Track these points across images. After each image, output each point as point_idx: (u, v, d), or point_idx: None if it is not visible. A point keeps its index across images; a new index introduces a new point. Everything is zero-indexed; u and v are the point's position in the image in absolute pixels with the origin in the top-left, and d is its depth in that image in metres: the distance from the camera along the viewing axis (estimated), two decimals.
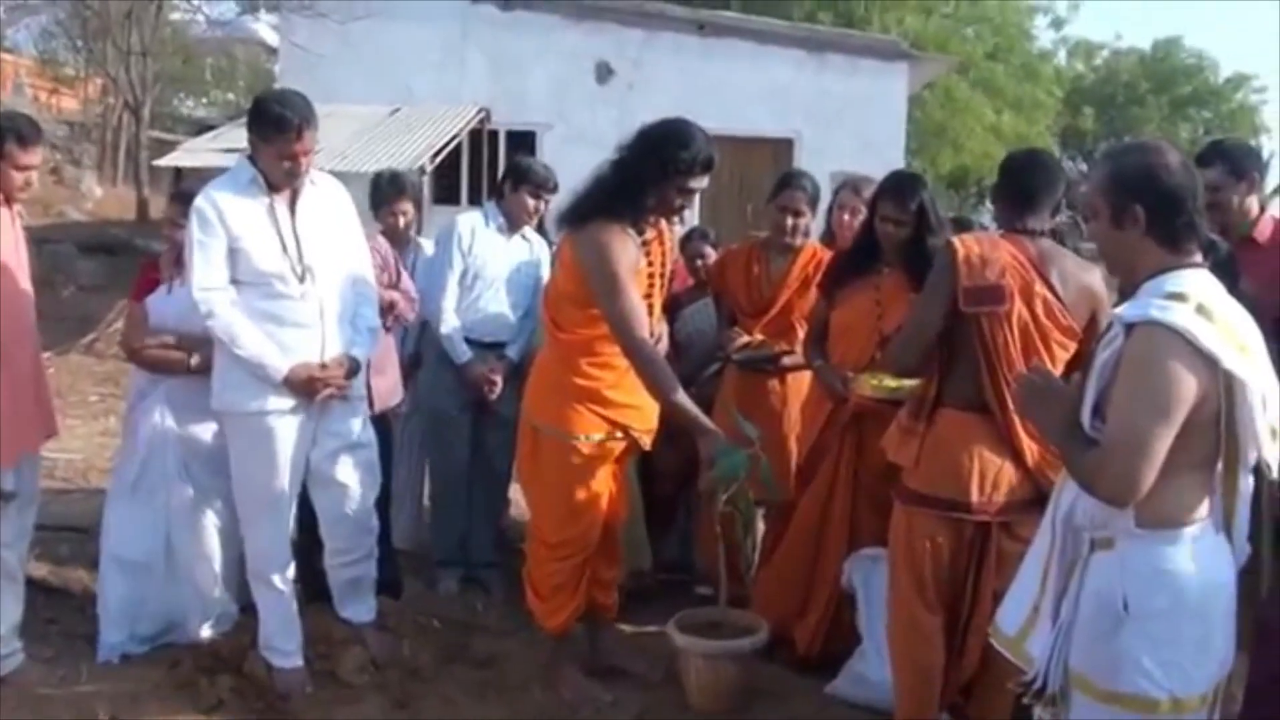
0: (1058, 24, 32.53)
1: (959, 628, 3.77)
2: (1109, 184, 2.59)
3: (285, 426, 4.15)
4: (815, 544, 4.56)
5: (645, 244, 4.08)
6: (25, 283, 4.20)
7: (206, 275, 4.04)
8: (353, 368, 4.26)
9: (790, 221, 4.92)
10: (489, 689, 4.37)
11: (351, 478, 4.38)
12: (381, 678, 4.37)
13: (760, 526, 5.05)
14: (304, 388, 4.11)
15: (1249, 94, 34.51)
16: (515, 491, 5.58)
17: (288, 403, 4.13)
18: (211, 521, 4.55)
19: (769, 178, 14.88)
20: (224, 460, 4.46)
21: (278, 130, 3.99)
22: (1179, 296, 2.47)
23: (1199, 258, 2.61)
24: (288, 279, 4.08)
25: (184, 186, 4.72)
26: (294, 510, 4.37)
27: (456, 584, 5.40)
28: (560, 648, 4.36)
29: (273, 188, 4.11)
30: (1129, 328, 2.48)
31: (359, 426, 4.43)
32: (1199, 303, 2.47)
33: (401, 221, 5.56)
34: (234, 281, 4.07)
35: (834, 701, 4.32)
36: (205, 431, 4.51)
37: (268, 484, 4.18)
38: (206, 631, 4.57)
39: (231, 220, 4.03)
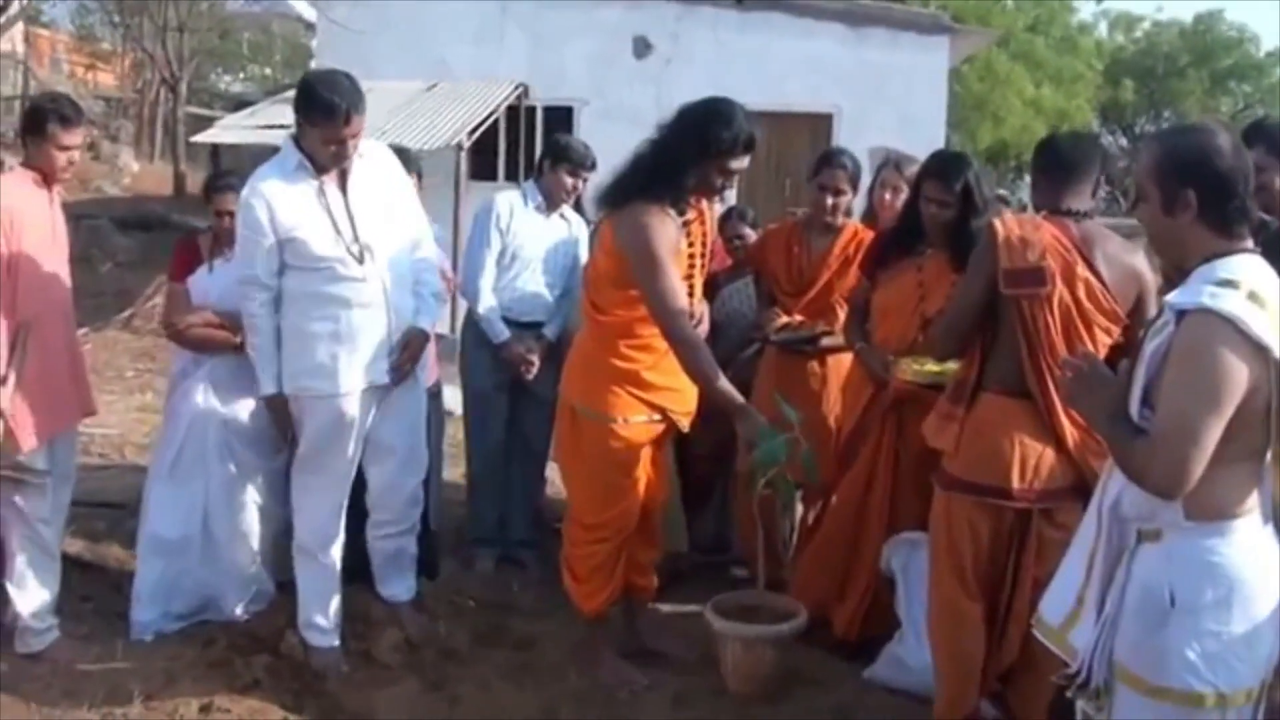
0: None
1: (999, 615, 3.73)
2: (1160, 167, 2.52)
3: (354, 406, 4.18)
4: (855, 527, 4.52)
5: (686, 224, 4.04)
6: (63, 265, 4.22)
7: (248, 271, 4.09)
8: (421, 338, 4.29)
9: (830, 200, 4.86)
10: (525, 671, 4.36)
11: (406, 448, 4.42)
12: (417, 658, 4.38)
13: (799, 509, 5.02)
14: (279, 419, 4.21)
15: None
16: (552, 471, 5.58)
17: (359, 384, 4.15)
18: (251, 499, 4.58)
19: (807, 154, 14.81)
20: (265, 438, 4.54)
21: (326, 116, 3.96)
22: (1231, 283, 2.41)
23: (1250, 242, 2.54)
24: (347, 262, 4.08)
25: (220, 180, 4.69)
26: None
27: (493, 563, 5.41)
28: (596, 630, 4.34)
29: (321, 170, 4.09)
30: (1180, 315, 2.42)
31: (418, 397, 4.47)
32: (1251, 289, 2.40)
33: None
34: (295, 268, 4.08)
35: (872, 686, 4.29)
36: (246, 410, 4.53)
37: (333, 460, 4.24)
38: (241, 609, 4.60)
39: (281, 213, 4.02)
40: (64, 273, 4.24)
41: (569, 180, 5.28)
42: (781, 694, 4.20)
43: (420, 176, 5.08)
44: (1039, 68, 25.51)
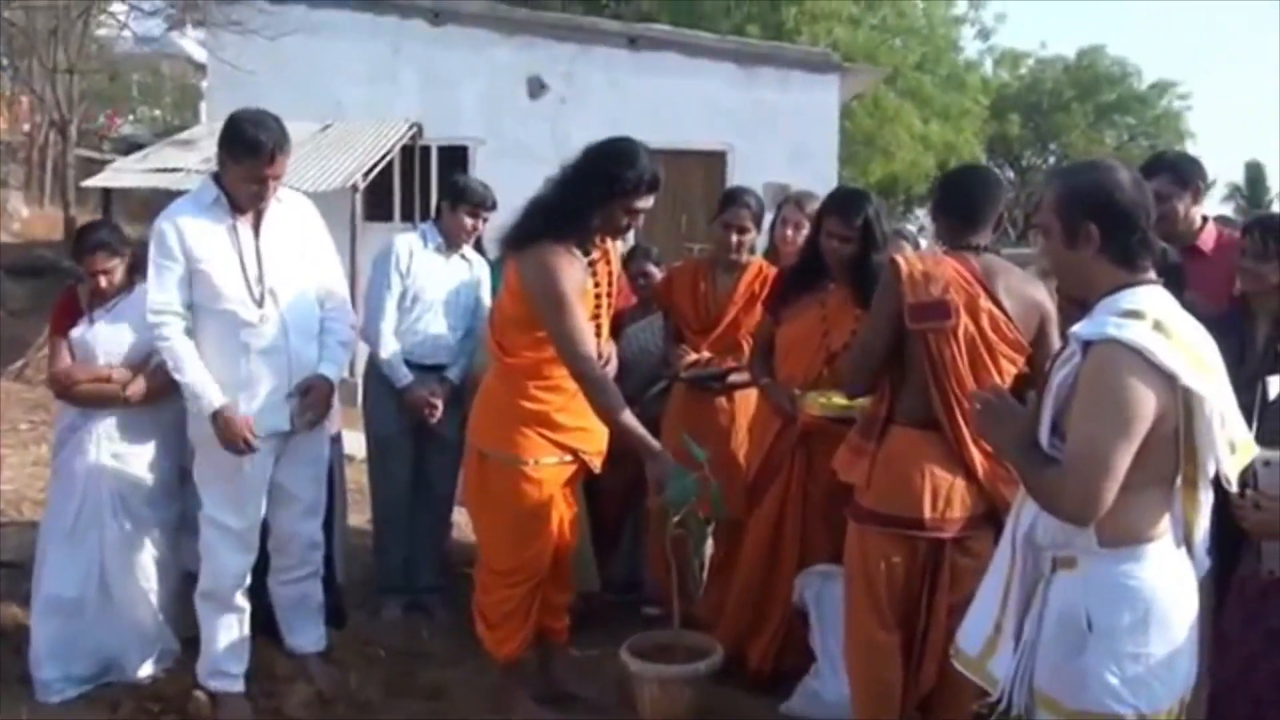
0: (984, 34, 32.95)
1: (915, 644, 3.74)
2: (1062, 203, 2.58)
3: (258, 455, 4.11)
4: (768, 563, 4.52)
5: (591, 264, 4.02)
6: None
7: (161, 298, 4.02)
8: (323, 386, 4.23)
9: (735, 238, 4.90)
10: None
11: (307, 492, 4.37)
12: (329, 713, 4.28)
13: (709, 546, 5.02)
14: (229, 439, 4.04)
15: (1173, 100, 35.13)
16: (457, 514, 5.53)
17: (257, 432, 4.07)
18: (149, 554, 4.45)
19: (702, 191, 14.94)
20: (161, 491, 4.45)
21: (250, 153, 3.96)
22: (1136, 314, 2.46)
23: (1153, 274, 2.60)
24: (247, 304, 4.05)
25: (89, 240, 4.49)
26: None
27: (401, 611, 5.31)
28: (510, 676, 4.27)
29: (237, 209, 4.07)
30: (1086, 346, 2.47)
31: (321, 444, 4.42)
32: (1156, 319, 2.46)
33: None
34: (195, 306, 4.05)
35: None
36: (141, 462, 4.43)
37: (237, 509, 4.16)
38: (147, 669, 4.46)
39: (192, 243, 4.01)
40: None
41: (469, 221, 5.25)
42: None
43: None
44: (927, 104, 26.03)
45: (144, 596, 4.44)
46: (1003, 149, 35.16)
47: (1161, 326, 2.45)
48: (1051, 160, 35.86)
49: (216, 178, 4.11)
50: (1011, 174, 35.95)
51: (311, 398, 4.18)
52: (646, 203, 3.95)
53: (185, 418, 4.29)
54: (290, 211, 4.25)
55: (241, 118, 4.05)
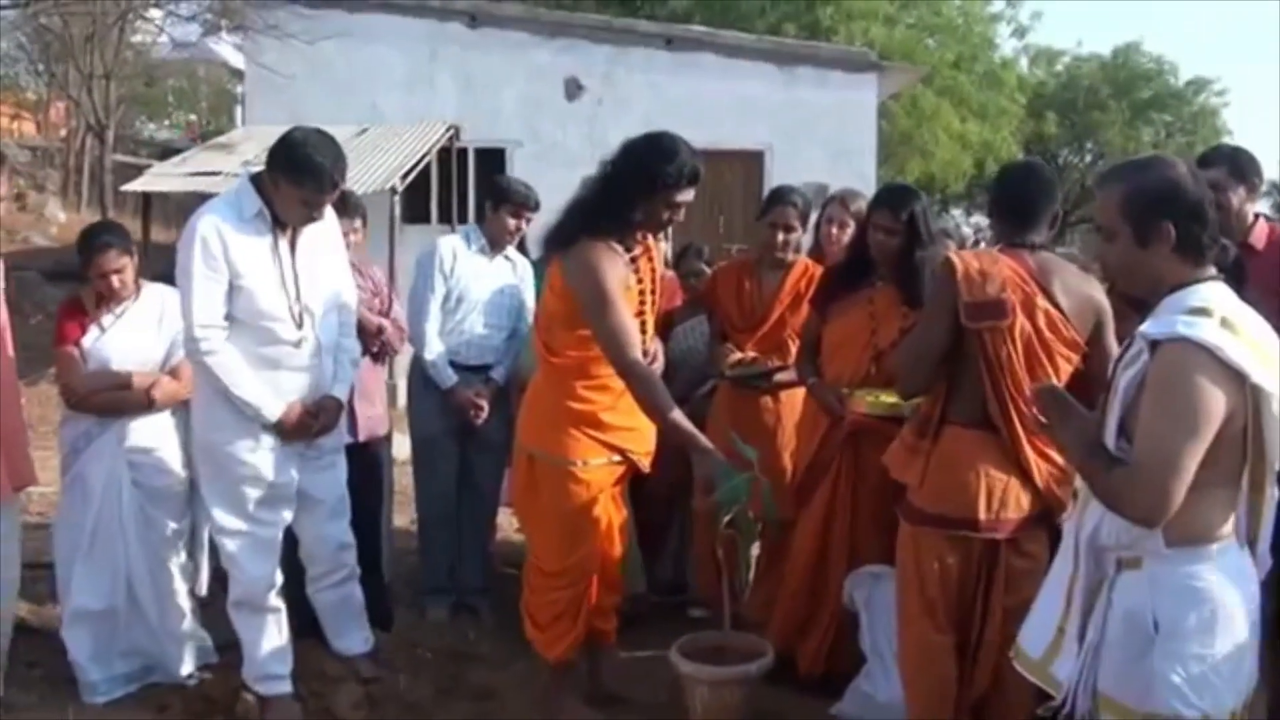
0: (1020, 32, 32.67)
1: (970, 646, 3.71)
2: (1132, 202, 2.54)
3: (272, 461, 4.10)
4: (817, 564, 4.50)
5: (633, 260, 4.01)
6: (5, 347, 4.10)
7: (208, 311, 3.92)
8: (334, 406, 4.22)
9: (782, 237, 4.88)
10: None
11: (328, 494, 4.34)
12: (378, 714, 4.28)
13: (755, 546, 4.99)
14: (296, 433, 4.07)
15: (1210, 97, 34.71)
16: (501, 515, 5.53)
17: (276, 443, 4.08)
18: (174, 560, 4.46)
19: (740, 192, 14.89)
20: (178, 497, 4.45)
21: (313, 179, 3.90)
22: (1203, 311, 2.43)
23: (1214, 270, 2.57)
24: (286, 323, 4.02)
25: (99, 239, 4.41)
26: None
27: (447, 612, 5.32)
28: (559, 677, 4.27)
29: (279, 224, 4.01)
30: (1154, 345, 2.44)
31: (335, 445, 4.39)
32: (1223, 316, 2.43)
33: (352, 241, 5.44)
34: (230, 319, 3.97)
35: None
36: (158, 468, 4.42)
37: (250, 515, 4.12)
38: (188, 667, 4.48)
39: (236, 256, 3.92)
40: (7, 353, 4.12)
41: (512, 222, 5.25)
42: None
43: (365, 220, 5.02)
44: (964, 103, 25.86)
45: (173, 600, 4.45)
46: (1039, 148, 34.86)
47: (1229, 323, 2.42)
48: (1089, 159, 35.57)
49: (257, 185, 4.01)
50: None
51: (323, 420, 4.18)
52: (687, 196, 3.93)
53: (191, 423, 4.31)
54: (319, 227, 4.17)
55: (303, 141, 3.94)
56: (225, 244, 3.90)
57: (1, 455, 3.99)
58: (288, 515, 4.21)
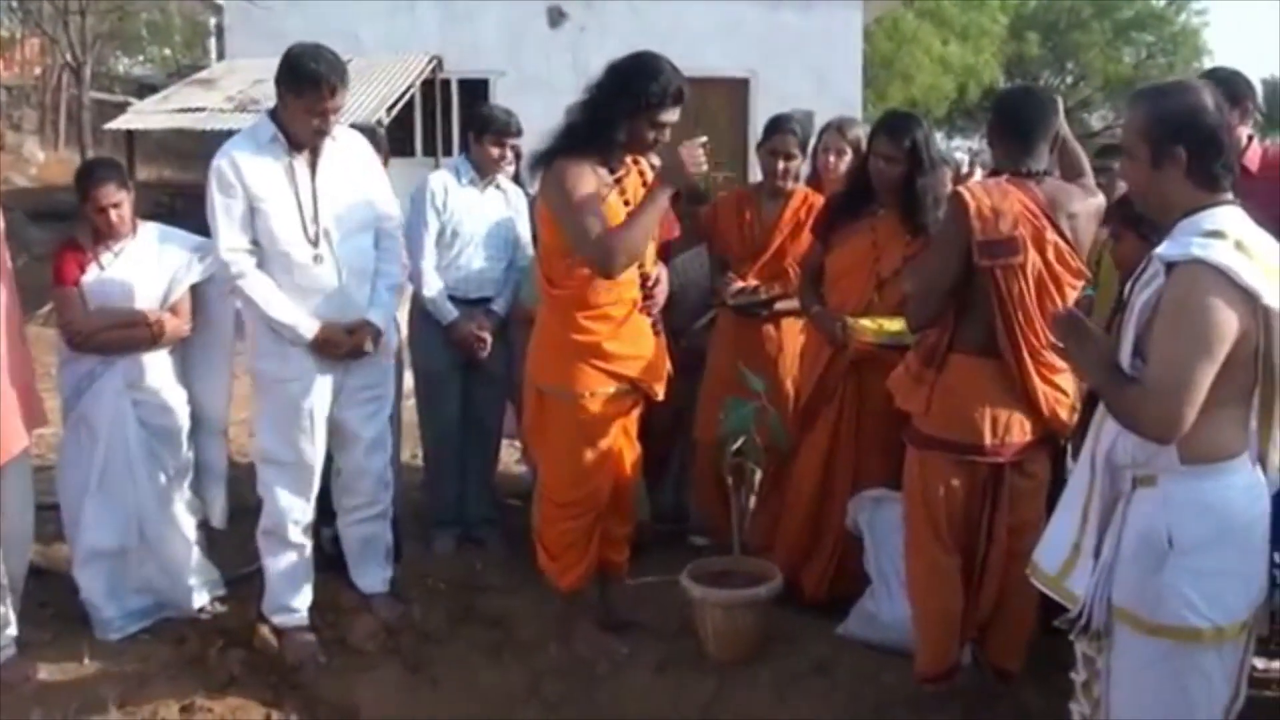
0: None
1: (975, 568, 3.80)
2: (1150, 125, 2.59)
3: (313, 391, 4.17)
4: (820, 489, 4.55)
5: (618, 180, 4.00)
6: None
7: (232, 236, 4.03)
8: (368, 331, 4.24)
9: (781, 165, 4.89)
10: (503, 648, 4.35)
11: (369, 430, 4.40)
12: (394, 643, 4.35)
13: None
14: (331, 349, 4.13)
15: (1190, 16, 34.65)
16: (503, 448, 5.63)
17: (310, 369, 4.14)
18: (181, 497, 4.51)
19: (726, 118, 14.77)
20: (181, 433, 4.49)
21: (311, 86, 3.96)
22: (1217, 234, 2.48)
23: (1230, 195, 2.61)
24: (301, 244, 4.06)
25: (97, 172, 4.42)
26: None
27: (454, 543, 5.36)
28: (572, 603, 4.34)
29: (294, 146, 4.07)
30: (1169, 267, 2.49)
31: (382, 381, 4.45)
32: (1237, 239, 2.49)
33: None
34: (255, 244, 4.06)
35: (847, 642, 4.34)
36: (162, 406, 4.44)
37: (294, 446, 4.20)
38: (202, 599, 4.53)
39: (251, 180, 4.01)
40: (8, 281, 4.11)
41: (495, 150, 5.21)
42: (760, 656, 4.23)
43: (387, 155, 5.02)
44: (945, 25, 25.79)
45: (182, 536, 4.49)
46: (1021, 70, 34.73)
47: (1243, 246, 2.48)
48: (1070, 80, 35.44)
49: (273, 115, 4.10)
50: None
51: (356, 341, 4.21)
52: (672, 115, 3.94)
53: (190, 360, 4.45)
54: (346, 149, 4.24)
55: (299, 52, 4.04)
56: (239, 170, 4.00)
57: (5, 406, 3.96)
58: (323, 449, 4.27)
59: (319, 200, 4.09)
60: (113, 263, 4.39)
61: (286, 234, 4.05)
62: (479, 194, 5.25)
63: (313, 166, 4.11)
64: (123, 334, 4.35)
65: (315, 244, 4.09)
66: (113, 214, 4.32)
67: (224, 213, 4.01)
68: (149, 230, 4.50)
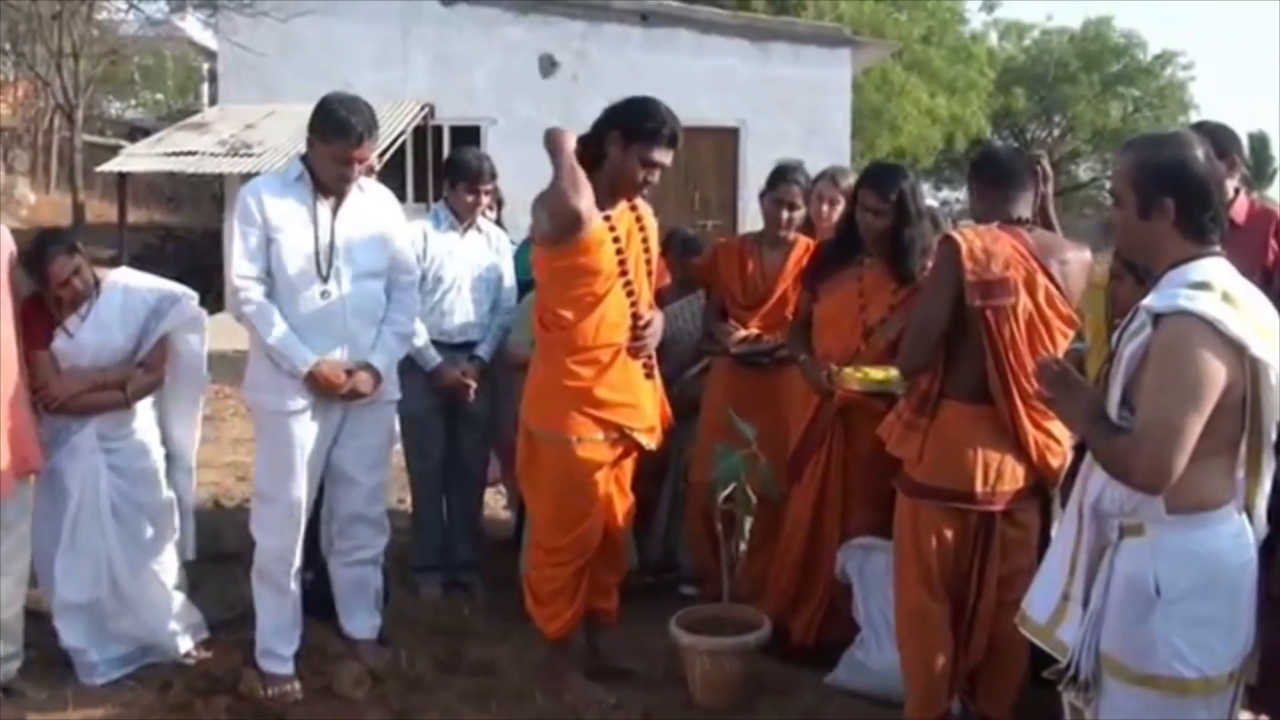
0: (989, 6, 32.94)
1: (965, 615, 3.80)
2: (1139, 174, 2.62)
3: (309, 428, 4.19)
4: (810, 537, 4.55)
5: (607, 217, 4.01)
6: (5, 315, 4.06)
7: (244, 264, 4.11)
8: (369, 373, 4.26)
9: (786, 215, 4.91)
10: (490, 696, 4.32)
11: (368, 476, 4.42)
12: (381, 690, 4.32)
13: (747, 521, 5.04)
14: (327, 385, 4.14)
15: (1177, 70, 35.01)
16: (487, 493, 5.62)
17: (307, 403, 4.15)
18: (155, 541, 4.47)
19: (714, 167, 14.83)
20: (155, 474, 4.48)
21: (340, 134, 4.06)
22: (1204, 285, 2.51)
23: (1218, 246, 2.63)
24: (310, 276, 4.13)
25: (48, 249, 4.26)
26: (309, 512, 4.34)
27: (440, 589, 5.34)
28: (559, 651, 4.31)
29: (320, 190, 4.16)
30: (1157, 318, 2.51)
31: (384, 426, 4.49)
32: (1224, 290, 2.51)
33: None
34: (269, 275, 4.14)
35: (836, 692, 4.33)
36: (134, 451, 4.43)
37: (283, 482, 4.20)
38: (186, 644, 4.50)
39: (271, 212, 4.12)
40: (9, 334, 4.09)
41: (469, 198, 5.23)
42: (748, 705, 4.22)
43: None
44: (934, 78, 26.01)
45: (158, 581, 4.46)
46: (1009, 122, 35.05)
47: (1230, 297, 2.50)
48: (1057, 133, 35.74)
49: (305, 159, 4.20)
50: (1016, 146, 35.79)
51: (354, 381, 4.21)
52: (664, 156, 3.98)
53: (162, 400, 4.47)
54: (371, 200, 4.34)
55: (332, 100, 4.16)
56: (262, 203, 4.12)
57: (5, 442, 3.98)
58: (313, 490, 4.29)
59: (335, 238, 4.17)
60: (79, 327, 4.31)
61: (298, 264, 4.12)
62: (459, 238, 5.25)
63: (335, 211, 4.20)
64: (94, 398, 4.31)
65: (325, 279, 4.15)
66: (74, 282, 4.23)
67: (241, 240, 4.11)
68: (112, 284, 4.40)
